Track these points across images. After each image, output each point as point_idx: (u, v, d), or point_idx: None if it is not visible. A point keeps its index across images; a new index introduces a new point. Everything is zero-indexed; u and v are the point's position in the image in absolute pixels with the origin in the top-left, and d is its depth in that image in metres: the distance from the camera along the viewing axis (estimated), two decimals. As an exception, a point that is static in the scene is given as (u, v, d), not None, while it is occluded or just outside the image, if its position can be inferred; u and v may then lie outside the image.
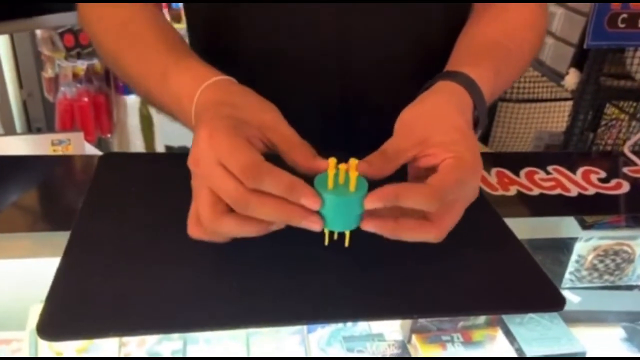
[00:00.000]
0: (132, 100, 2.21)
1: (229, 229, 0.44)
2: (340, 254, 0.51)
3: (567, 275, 0.68)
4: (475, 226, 0.56)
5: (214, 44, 0.71)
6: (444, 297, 0.50)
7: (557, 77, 1.42)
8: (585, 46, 1.21)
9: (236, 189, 0.42)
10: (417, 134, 0.48)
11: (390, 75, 0.70)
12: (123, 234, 0.53)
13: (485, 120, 0.55)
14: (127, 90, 2.21)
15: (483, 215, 0.61)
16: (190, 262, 0.50)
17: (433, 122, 0.48)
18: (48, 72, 2.22)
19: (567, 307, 0.60)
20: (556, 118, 1.73)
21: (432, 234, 0.45)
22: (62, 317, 0.44)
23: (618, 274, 0.69)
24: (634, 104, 1.45)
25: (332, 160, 0.43)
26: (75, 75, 2.15)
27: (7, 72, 2.30)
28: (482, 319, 0.66)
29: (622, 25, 1.20)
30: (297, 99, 0.65)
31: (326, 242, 0.46)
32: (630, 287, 0.69)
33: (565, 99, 1.61)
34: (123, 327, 0.44)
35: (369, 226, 0.44)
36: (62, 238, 0.52)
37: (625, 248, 0.71)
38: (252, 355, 0.57)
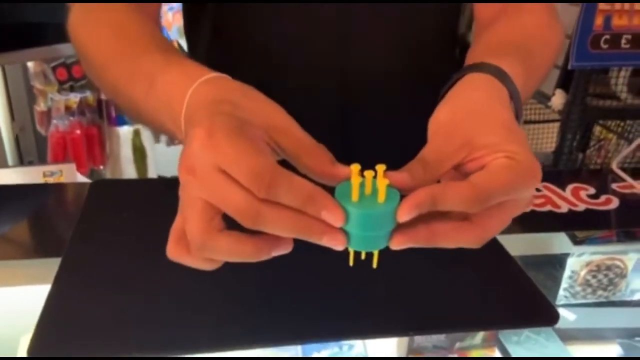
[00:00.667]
0: (125, 132, 2.22)
1: (225, 250, 0.36)
2: (331, 272, 0.51)
3: (561, 292, 0.68)
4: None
5: (213, 53, 0.71)
6: (439, 314, 0.50)
7: (544, 98, 1.44)
8: (569, 67, 1.24)
9: (245, 199, 0.34)
10: (459, 136, 0.40)
11: (388, 84, 0.71)
12: (113, 260, 0.54)
13: (522, 115, 0.47)
14: (120, 122, 2.22)
15: None
16: (180, 287, 0.50)
17: (476, 120, 0.40)
18: (40, 106, 2.22)
19: (562, 325, 0.60)
20: (546, 139, 1.75)
21: (472, 238, 0.38)
22: (52, 342, 0.44)
23: (611, 289, 0.69)
24: (621, 123, 1.47)
25: (356, 167, 0.36)
26: (67, 108, 2.15)
27: (-1, 106, 2.31)
28: (478, 338, 0.65)
29: (605, 46, 1.23)
30: (295, 107, 0.65)
31: (351, 262, 0.39)
32: (624, 303, 0.69)
33: (554, 120, 1.63)
34: (112, 351, 0.44)
35: (400, 241, 0.37)
36: (53, 265, 0.52)
37: (617, 263, 0.71)
38: None
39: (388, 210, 0.35)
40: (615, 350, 0.60)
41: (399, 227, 0.37)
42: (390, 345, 0.63)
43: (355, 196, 0.36)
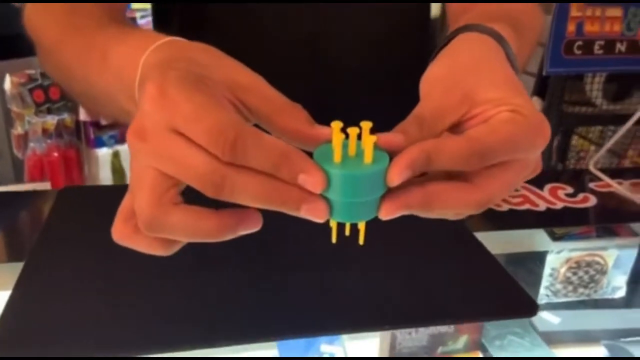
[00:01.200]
0: (103, 154, 2.20)
1: (181, 227, 0.30)
2: (307, 264, 0.50)
3: (542, 290, 0.67)
4: (445, 238, 0.56)
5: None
6: (415, 309, 0.50)
7: (521, 106, 1.45)
8: (544, 73, 1.25)
9: (206, 163, 0.29)
10: (458, 90, 0.35)
11: (366, 72, 0.71)
12: (76, 264, 0.53)
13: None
14: (99, 144, 2.20)
15: (451, 228, 0.61)
16: (142, 289, 0.50)
17: (477, 74, 0.36)
18: (17, 129, 2.20)
19: (547, 328, 0.60)
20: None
21: (473, 201, 0.32)
22: (11, 344, 0.43)
23: (593, 286, 0.68)
24: (596, 129, 1.49)
25: (337, 124, 0.30)
26: (45, 131, 2.13)
27: (-25, 131, 2.28)
28: (461, 342, 0.64)
29: (578, 52, 1.25)
30: None
31: (334, 239, 0.33)
32: (607, 302, 0.68)
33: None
34: (70, 353, 0.43)
35: (392, 210, 0.31)
36: (17, 270, 0.51)
37: (597, 259, 0.70)
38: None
39: (376, 171, 0.30)
40: (600, 351, 0.59)
41: (389, 194, 0.31)
42: (372, 350, 0.62)
43: (337, 157, 0.30)
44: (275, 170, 0.29)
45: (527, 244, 0.72)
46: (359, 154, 0.30)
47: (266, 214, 0.31)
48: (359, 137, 0.30)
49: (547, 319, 0.62)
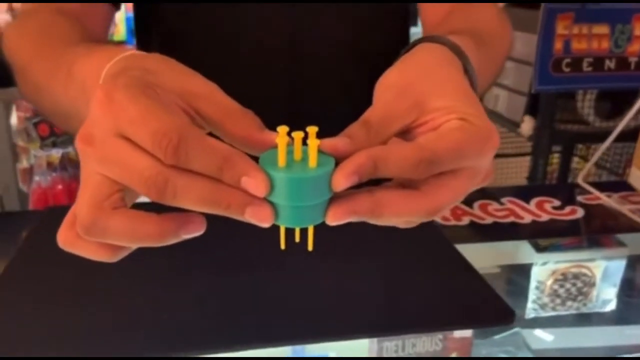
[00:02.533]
0: (107, 186, 2.22)
1: (120, 231, 0.30)
2: (284, 273, 0.51)
3: (529, 305, 0.66)
4: (424, 248, 0.56)
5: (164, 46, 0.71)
6: (389, 317, 0.49)
7: (514, 125, 1.45)
8: (532, 91, 1.26)
9: (150, 166, 0.29)
10: (409, 96, 0.35)
11: (340, 78, 0.72)
12: (50, 278, 0.53)
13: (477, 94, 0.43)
14: (102, 176, 2.22)
15: (430, 238, 0.61)
16: (114, 302, 0.50)
17: (429, 81, 0.36)
18: (23, 163, 2.24)
19: (540, 346, 0.58)
20: (524, 172, 1.76)
21: (423, 208, 0.32)
22: None
23: (582, 299, 0.67)
24: (594, 146, 1.48)
25: (283, 129, 0.30)
26: (49, 164, 2.16)
27: (-19, 167, 2.31)
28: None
29: (567, 70, 1.25)
30: (245, 97, 0.65)
31: (282, 245, 0.33)
32: (598, 315, 0.66)
33: (529, 154, 1.65)
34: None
35: (338, 215, 0.31)
36: None
37: (585, 271, 0.69)
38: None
39: (320, 174, 0.30)
40: None
41: (336, 199, 0.31)
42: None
43: (282, 161, 0.30)
44: (218, 173, 0.29)
45: (511, 256, 0.71)
46: (305, 158, 0.30)
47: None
48: (305, 142, 0.30)
49: (540, 336, 0.61)
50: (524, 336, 0.58)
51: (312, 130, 0.30)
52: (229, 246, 0.56)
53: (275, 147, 0.30)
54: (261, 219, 0.30)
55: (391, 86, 0.36)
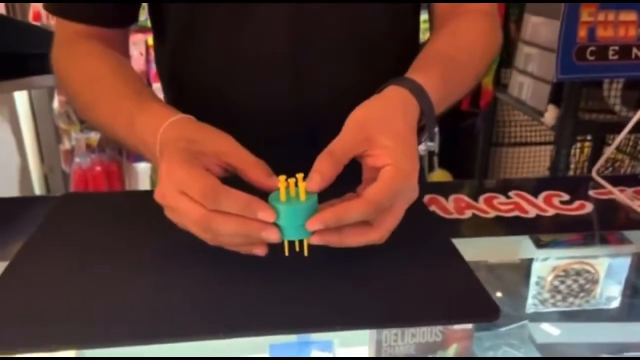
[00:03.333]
0: (142, 168, 2.29)
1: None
2: (282, 269, 0.53)
3: (529, 300, 0.66)
4: (419, 242, 0.57)
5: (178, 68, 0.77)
6: (371, 310, 0.50)
7: (537, 114, 1.42)
8: (554, 80, 1.22)
9: (199, 212, 0.47)
10: (364, 133, 0.52)
11: (342, 89, 0.73)
12: (61, 264, 0.55)
13: (433, 125, 0.59)
14: (138, 159, 2.29)
15: (427, 232, 0.62)
16: (124, 288, 0.52)
17: (380, 125, 0.52)
18: (65, 145, 2.33)
19: (544, 340, 0.58)
20: (548, 160, 1.72)
21: (376, 236, 0.50)
22: None
23: (584, 296, 0.66)
24: (628, 141, 1.42)
25: (282, 177, 0.48)
26: (88, 146, 2.24)
27: (28, 147, 2.42)
28: (451, 352, 0.64)
29: (592, 58, 1.21)
30: (251, 95, 0.73)
31: (286, 252, 0.50)
32: (602, 312, 0.66)
33: (550, 143, 1.61)
34: (40, 344, 0.45)
35: (315, 240, 0.49)
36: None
37: (587, 268, 0.68)
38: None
39: (307, 205, 0.48)
40: None
41: (318, 231, 0.48)
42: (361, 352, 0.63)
43: (283, 197, 0.48)
44: (242, 212, 0.47)
45: (510, 251, 0.70)
46: (297, 194, 0.49)
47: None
48: (295, 184, 0.49)
49: (546, 330, 0.61)
50: (530, 330, 0.58)
51: (300, 176, 0.48)
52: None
53: (278, 188, 0.49)
54: (271, 236, 0.48)
55: (355, 122, 0.53)
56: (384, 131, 0.52)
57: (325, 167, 0.49)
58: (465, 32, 0.70)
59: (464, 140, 1.85)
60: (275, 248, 0.50)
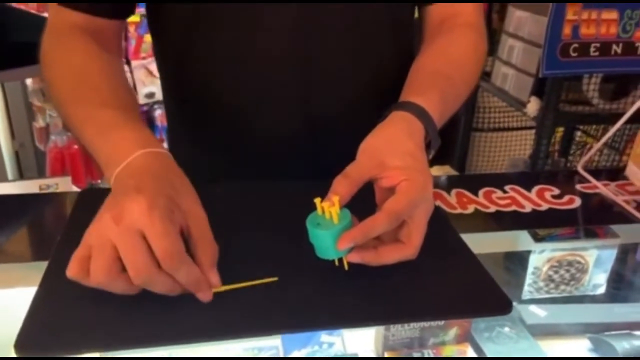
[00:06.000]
0: (121, 146, 2.25)
1: (115, 287, 0.47)
2: (296, 266, 0.55)
3: (525, 288, 0.71)
4: (431, 238, 0.60)
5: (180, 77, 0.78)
6: (397, 306, 0.53)
7: (520, 105, 1.48)
8: (540, 76, 1.28)
9: (148, 266, 0.46)
10: (376, 159, 0.55)
11: (350, 105, 0.76)
12: None
13: (437, 141, 0.63)
14: (117, 137, 2.26)
15: (439, 230, 0.65)
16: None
17: (389, 149, 0.56)
18: (39, 122, 2.27)
19: (533, 321, 0.62)
20: (528, 145, 1.79)
21: (409, 252, 0.54)
22: (37, 335, 0.47)
23: (574, 284, 0.72)
24: (598, 127, 1.50)
25: (317, 200, 0.52)
26: (65, 125, 2.20)
27: (-1, 123, 2.35)
28: (451, 334, 0.68)
29: (574, 55, 1.27)
30: (260, 123, 0.74)
31: (346, 267, 0.54)
32: (590, 298, 0.71)
33: (533, 127, 1.68)
34: (94, 345, 0.47)
35: (354, 258, 0.52)
36: (41, 269, 0.55)
37: (578, 259, 0.74)
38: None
39: (334, 230, 0.51)
40: (585, 344, 0.61)
41: (356, 247, 0.52)
42: (367, 341, 0.67)
43: (323, 213, 0.52)
44: (190, 288, 0.49)
45: (511, 245, 0.75)
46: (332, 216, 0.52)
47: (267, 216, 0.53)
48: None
49: (534, 312, 0.64)
50: (520, 312, 0.63)
51: (335, 198, 0.51)
52: (259, 237, 0.61)
53: (215, 286, 0.50)
54: (204, 298, 0.50)
55: (366, 149, 0.57)
56: (394, 154, 0.55)
57: (341, 188, 0.53)
58: (457, 49, 0.74)
59: (445, 125, 1.89)
60: (286, 251, 0.53)
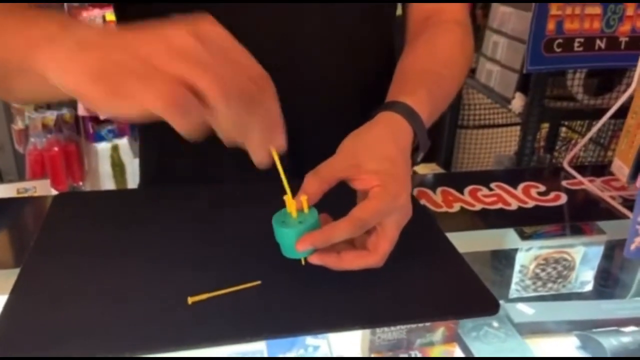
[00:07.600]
0: (103, 148, 2.24)
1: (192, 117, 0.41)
2: (280, 269, 0.54)
3: (512, 286, 0.70)
4: (417, 238, 0.59)
5: None
6: (384, 308, 0.52)
7: (505, 101, 1.48)
8: (524, 71, 1.28)
9: (235, 81, 0.41)
10: (352, 159, 0.53)
11: (332, 103, 0.75)
12: (71, 269, 0.55)
13: (426, 142, 0.61)
14: (98, 138, 2.24)
15: (425, 230, 0.64)
16: (138, 291, 0.52)
17: (368, 151, 0.54)
18: (18, 124, 2.23)
19: (521, 320, 0.62)
20: (513, 141, 1.80)
21: (373, 261, 0.51)
22: (7, 346, 0.45)
23: (561, 281, 0.71)
24: (583, 123, 1.51)
25: (288, 197, 0.50)
26: (44, 126, 2.17)
27: (-23, 126, 2.31)
28: (438, 334, 0.67)
29: (559, 50, 1.27)
30: None
31: (303, 262, 0.52)
32: (576, 295, 0.71)
33: (518, 124, 1.69)
34: (67, 354, 0.46)
35: (315, 260, 0.51)
36: (13, 275, 0.53)
37: (565, 256, 0.73)
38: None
39: (304, 227, 0.49)
40: (572, 341, 0.61)
41: (319, 250, 0.50)
42: (354, 343, 0.65)
43: (293, 214, 0.51)
44: (270, 120, 0.46)
45: (498, 243, 0.75)
46: (304, 213, 0.51)
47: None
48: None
49: (522, 310, 0.64)
50: (507, 310, 0.62)
51: (304, 197, 0.50)
52: (249, 241, 0.60)
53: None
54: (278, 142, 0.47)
55: (344, 148, 0.55)
56: (372, 157, 0.53)
57: (310, 186, 0.51)
58: (443, 45, 0.72)
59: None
60: (270, 253, 0.51)
